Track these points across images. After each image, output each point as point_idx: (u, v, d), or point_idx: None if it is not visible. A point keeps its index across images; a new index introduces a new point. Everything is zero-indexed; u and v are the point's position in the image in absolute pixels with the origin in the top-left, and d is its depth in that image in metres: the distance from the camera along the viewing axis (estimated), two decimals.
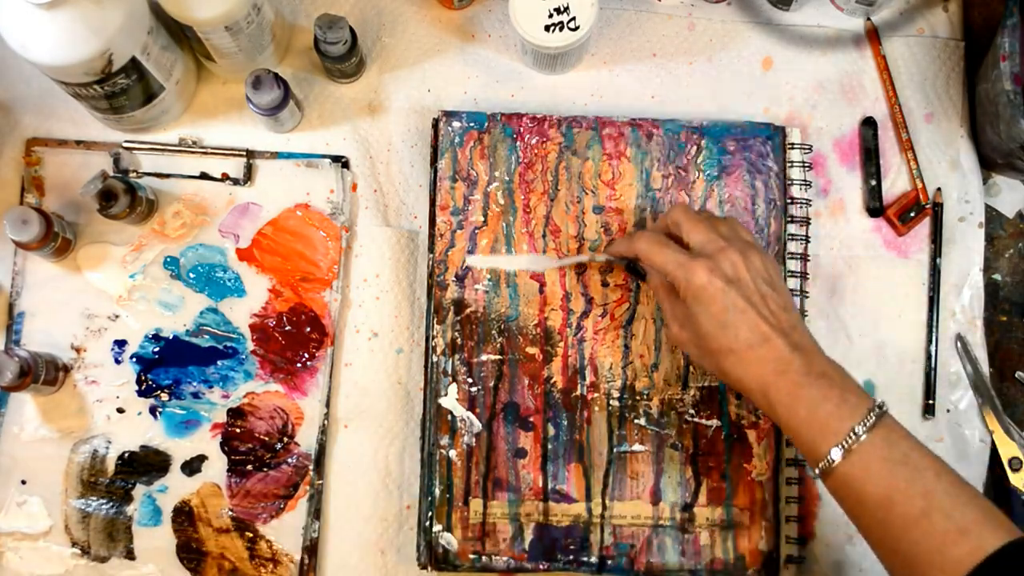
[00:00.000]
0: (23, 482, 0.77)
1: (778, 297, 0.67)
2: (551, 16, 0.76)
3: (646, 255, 0.70)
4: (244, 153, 0.81)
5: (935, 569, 0.57)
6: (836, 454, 0.61)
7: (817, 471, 0.63)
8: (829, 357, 0.66)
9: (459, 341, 0.77)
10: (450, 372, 0.77)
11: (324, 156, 0.81)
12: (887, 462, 0.60)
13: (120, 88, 0.73)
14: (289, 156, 0.82)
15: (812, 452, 0.63)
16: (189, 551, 0.77)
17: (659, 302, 0.72)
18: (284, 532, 0.77)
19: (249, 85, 0.75)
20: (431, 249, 0.78)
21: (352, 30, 0.77)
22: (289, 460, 0.78)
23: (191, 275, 0.80)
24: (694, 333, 0.68)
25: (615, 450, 0.76)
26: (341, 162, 0.81)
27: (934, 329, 0.80)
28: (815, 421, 0.62)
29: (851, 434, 0.61)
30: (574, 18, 0.76)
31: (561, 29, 0.76)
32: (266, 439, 0.78)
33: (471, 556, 0.75)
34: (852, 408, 0.62)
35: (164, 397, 0.79)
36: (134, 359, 0.79)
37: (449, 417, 0.77)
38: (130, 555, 0.77)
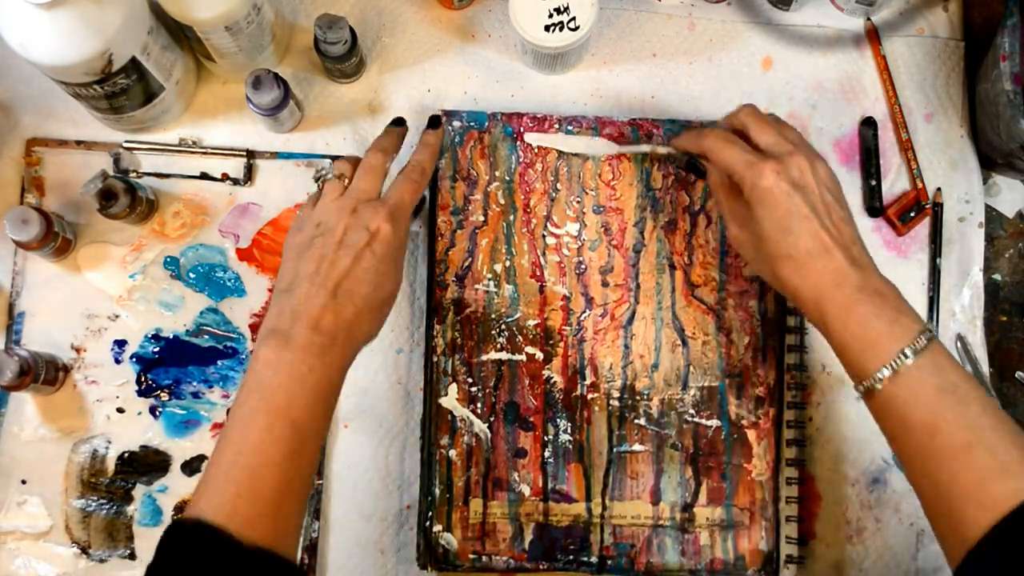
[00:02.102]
0: (23, 482, 0.77)
1: (840, 209, 0.66)
2: (551, 16, 0.76)
3: (714, 152, 0.69)
4: (244, 153, 0.81)
5: (972, 504, 0.56)
6: (884, 373, 0.60)
7: (861, 389, 0.62)
8: (885, 277, 0.65)
9: (459, 341, 0.77)
10: (450, 372, 0.77)
11: (324, 156, 0.81)
12: (935, 389, 0.59)
13: (120, 88, 0.73)
14: (289, 156, 0.82)
15: (859, 370, 0.62)
16: None
17: (718, 201, 0.71)
18: None
19: (249, 85, 0.75)
20: (431, 249, 0.78)
21: (352, 30, 0.77)
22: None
23: (191, 275, 0.80)
24: (754, 235, 0.67)
25: (615, 450, 0.77)
26: None
27: (934, 329, 0.80)
28: (866, 338, 0.61)
29: (900, 355, 0.60)
30: (574, 18, 0.76)
31: (561, 29, 0.76)
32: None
33: (471, 556, 0.76)
34: (904, 329, 0.61)
35: (164, 397, 0.79)
36: (134, 359, 0.79)
37: (449, 417, 0.77)
38: (131, 555, 0.77)
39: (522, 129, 0.79)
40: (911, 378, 0.60)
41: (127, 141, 0.81)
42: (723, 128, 0.71)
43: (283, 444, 0.60)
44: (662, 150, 0.77)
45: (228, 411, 0.64)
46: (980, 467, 0.57)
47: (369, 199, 0.68)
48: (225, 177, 0.81)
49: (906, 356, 0.60)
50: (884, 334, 0.61)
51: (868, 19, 0.84)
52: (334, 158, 0.81)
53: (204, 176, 0.81)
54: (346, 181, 0.70)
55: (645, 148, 0.77)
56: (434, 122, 0.77)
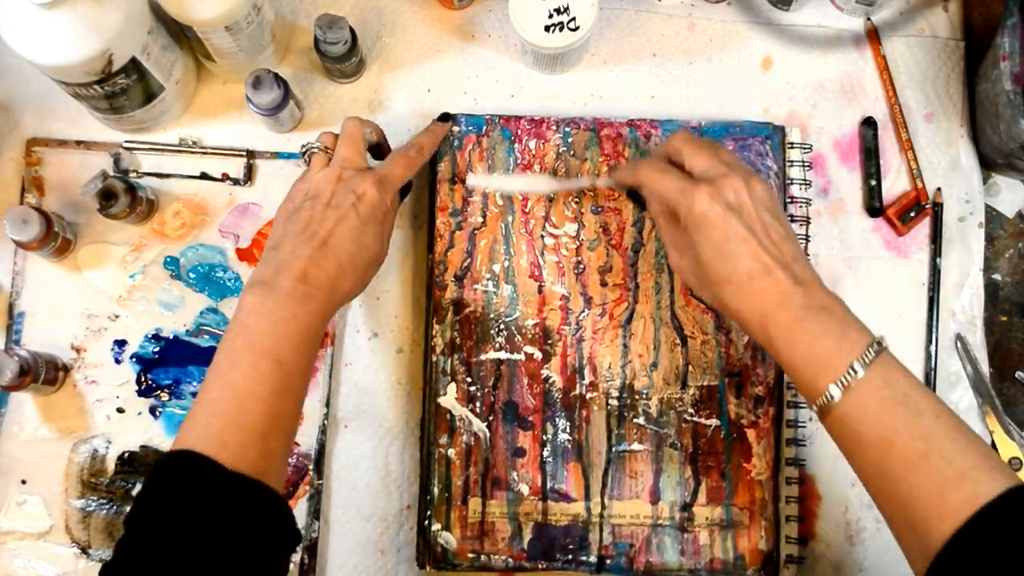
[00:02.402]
0: (23, 482, 0.78)
1: (780, 227, 0.65)
2: (551, 16, 0.76)
3: (648, 182, 0.68)
4: (244, 153, 0.82)
5: (933, 514, 0.56)
6: (834, 391, 0.59)
7: (815, 408, 0.61)
8: (830, 290, 0.64)
9: (458, 341, 0.77)
10: (449, 371, 0.77)
11: None
12: (886, 402, 0.59)
13: (120, 88, 0.73)
14: (289, 156, 0.82)
15: (810, 389, 0.61)
16: None
17: (659, 230, 0.71)
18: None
19: (249, 85, 0.75)
20: (430, 249, 0.79)
21: (352, 30, 0.77)
22: (289, 460, 0.78)
23: (191, 275, 0.81)
24: (694, 262, 0.66)
25: (614, 449, 0.77)
26: None
27: (934, 329, 0.80)
28: (814, 357, 0.61)
29: (850, 371, 0.59)
30: (574, 18, 0.76)
31: (561, 29, 0.76)
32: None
33: (470, 555, 0.76)
34: (852, 344, 0.60)
35: (164, 397, 0.79)
36: (134, 359, 0.80)
37: (448, 416, 0.77)
38: None
39: (520, 132, 0.79)
40: (862, 393, 0.59)
41: (127, 141, 0.81)
42: (657, 157, 0.71)
43: (269, 381, 0.61)
44: (601, 183, 0.77)
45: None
46: (937, 477, 0.56)
47: (354, 166, 0.70)
48: (225, 177, 0.81)
49: (855, 371, 0.59)
50: (832, 351, 0.60)
51: (868, 19, 0.84)
52: None
53: (204, 176, 0.82)
54: (330, 152, 0.72)
55: (585, 183, 0.78)
56: (444, 118, 0.79)
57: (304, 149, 0.74)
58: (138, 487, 0.78)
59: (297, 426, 0.65)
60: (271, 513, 0.60)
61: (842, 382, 0.59)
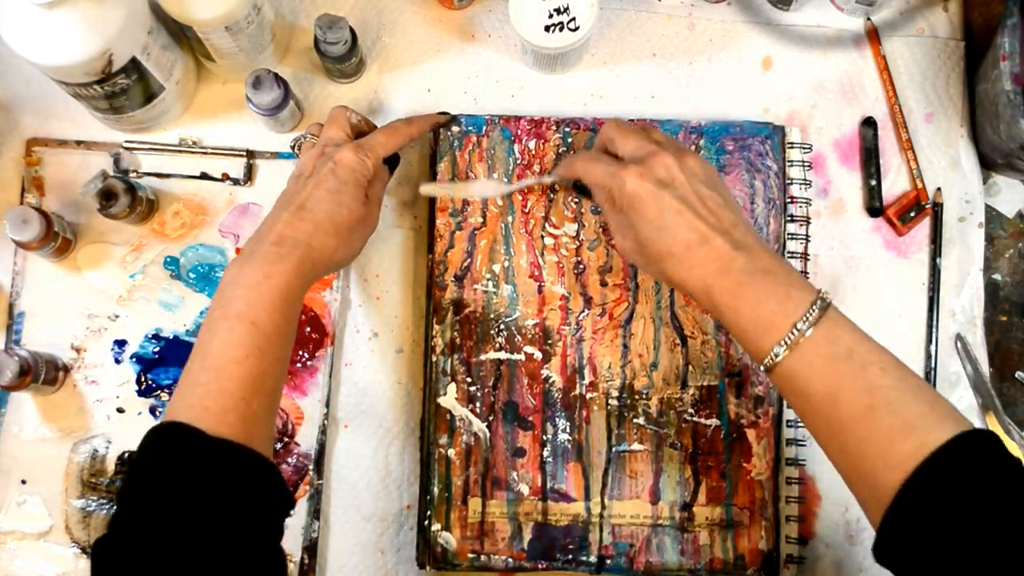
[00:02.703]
0: (23, 482, 0.78)
1: (716, 196, 0.66)
2: (551, 16, 0.76)
3: (582, 172, 0.70)
4: (244, 153, 0.82)
5: (882, 465, 0.56)
6: (779, 351, 0.60)
7: (762, 369, 0.62)
8: (774, 252, 0.65)
9: (458, 341, 0.78)
10: (449, 372, 0.77)
11: None
12: (830, 358, 0.59)
13: (120, 88, 0.73)
14: (289, 156, 0.82)
15: (757, 350, 0.62)
16: None
17: (604, 216, 0.71)
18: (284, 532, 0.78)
19: (249, 85, 0.75)
20: (430, 250, 0.79)
21: (352, 30, 0.77)
22: (289, 460, 0.78)
23: (191, 275, 0.81)
24: (635, 241, 0.66)
25: (614, 449, 0.77)
26: None
27: (934, 329, 0.81)
28: (759, 319, 0.61)
29: (794, 330, 0.60)
30: (574, 18, 0.76)
31: (561, 29, 0.76)
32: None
33: (470, 555, 0.76)
34: (796, 303, 0.61)
35: (164, 397, 0.79)
36: (134, 359, 0.80)
37: (448, 416, 0.77)
38: None
39: (519, 132, 0.79)
40: (807, 350, 0.60)
41: (127, 141, 0.82)
42: (593, 148, 0.73)
43: (245, 343, 0.61)
44: (547, 180, 0.77)
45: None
46: (884, 428, 0.57)
47: (336, 143, 0.71)
48: (225, 177, 0.82)
49: (799, 330, 0.60)
50: (777, 312, 0.61)
51: (868, 19, 0.84)
52: None
53: (204, 176, 0.82)
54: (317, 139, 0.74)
55: (531, 181, 0.78)
56: (442, 115, 0.80)
57: (294, 142, 0.75)
58: None
59: (281, 389, 0.65)
60: (257, 476, 0.60)
61: (786, 341, 0.60)
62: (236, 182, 0.82)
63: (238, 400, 0.60)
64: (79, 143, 0.81)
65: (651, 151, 0.66)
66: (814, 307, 0.60)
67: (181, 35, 0.77)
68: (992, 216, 0.83)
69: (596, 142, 0.73)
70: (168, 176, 0.82)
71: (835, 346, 0.59)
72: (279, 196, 0.70)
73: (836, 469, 0.61)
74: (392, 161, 0.76)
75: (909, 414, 0.57)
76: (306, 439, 0.79)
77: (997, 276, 0.83)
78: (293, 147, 0.75)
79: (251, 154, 0.82)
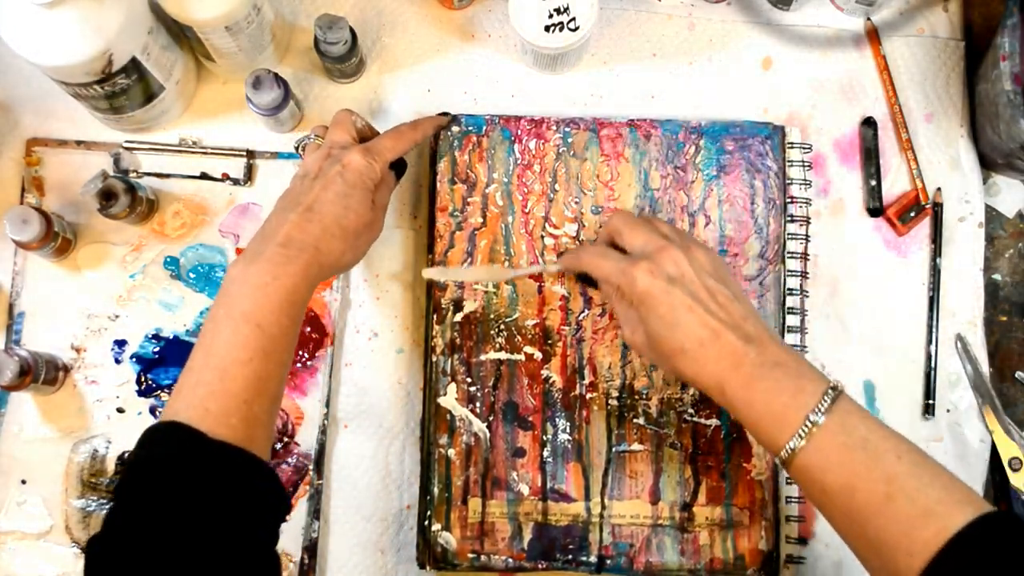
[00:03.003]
0: (23, 482, 0.78)
1: (725, 289, 0.66)
2: (551, 16, 0.76)
3: (590, 268, 0.71)
4: (244, 153, 0.82)
5: (902, 553, 0.57)
6: (794, 444, 0.61)
7: (778, 462, 0.62)
8: (784, 343, 0.65)
9: (458, 341, 0.78)
10: (449, 372, 0.78)
11: None
12: (845, 448, 0.60)
13: (120, 88, 0.73)
14: (289, 157, 0.82)
15: (772, 444, 0.62)
16: None
17: (613, 309, 0.73)
18: (284, 532, 0.77)
19: (249, 85, 0.75)
20: (430, 250, 0.79)
21: (352, 30, 0.77)
22: (289, 460, 0.79)
23: (191, 275, 0.81)
24: (646, 336, 0.67)
25: (614, 449, 0.77)
26: None
27: (934, 329, 0.81)
28: (772, 413, 0.62)
29: (807, 423, 0.60)
30: (574, 18, 0.76)
31: (561, 29, 0.76)
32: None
33: (470, 555, 0.76)
34: (808, 395, 0.61)
35: (164, 397, 0.79)
36: (134, 359, 0.80)
37: (448, 416, 0.77)
38: None
39: (519, 132, 0.80)
40: (821, 442, 0.60)
41: (127, 141, 0.82)
42: (600, 241, 0.73)
43: (250, 345, 0.61)
44: (553, 268, 0.77)
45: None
46: (903, 517, 0.57)
47: (342, 145, 0.71)
48: (225, 177, 0.82)
49: (812, 422, 0.60)
50: (790, 406, 0.61)
51: (868, 19, 0.84)
52: None
53: (204, 176, 0.82)
54: (322, 140, 0.73)
55: (537, 269, 0.78)
56: (443, 116, 0.80)
57: (298, 143, 0.75)
58: None
59: (282, 392, 0.65)
60: (256, 480, 0.60)
61: (800, 433, 0.60)
62: (236, 182, 0.82)
63: (240, 403, 0.60)
64: (79, 143, 0.82)
65: (660, 246, 0.67)
66: (826, 397, 0.61)
67: (181, 35, 0.77)
68: (992, 216, 0.83)
69: (602, 234, 0.74)
70: (168, 176, 0.82)
71: (849, 436, 0.60)
72: (282, 195, 0.70)
73: (855, 556, 0.61)
74: (399, 167, 0.76)
75: (927, 500, 0.57)
76: (306, 439, 0.79)
77: (997, 276, 0.83)
78: (297, 147, 0.75)
79: (251, 154, 0.82)
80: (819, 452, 0.60)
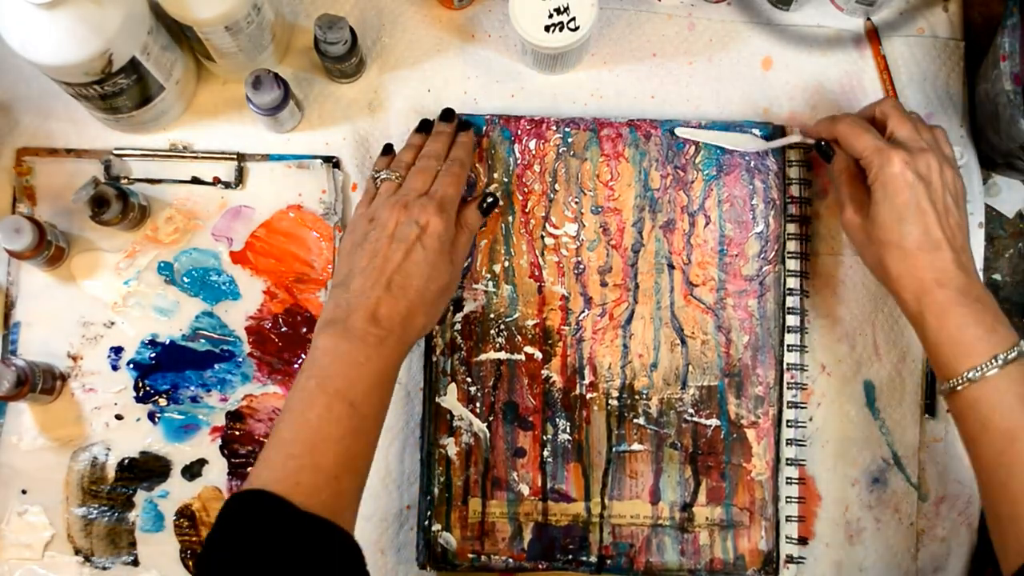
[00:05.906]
0: (24, 492, 0.79)
1: (959, 215, 0.69)
2: (551, 16, 0.77)
3: (846, 136, 0.73)
4: (235, 156, 0.82)
5: None
6: (972, 375, 0.64)
7: (946, 388, 0.65)
8: (987, 289, 0.69)
9: (458, 341, 0.79)
10: (449, 372, 0.79)
11: (315, 157, 0.82)
12: (1019, 398, 0.63)
13: (120, 88, 0.73)
14: (280, 158, 0.83)
15: (948, 369, 0.65)
16: (193, 556, 0.79)
17: (838, 186, 0.75)
18: None
19: (249, 85, 0.75)
20: None
21: (352, 30, 0.78)
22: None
23: (185, 279, 0.82)
24: (869, 219, 0.70)
25: (614, 450, 0.78)
26: (332, 162, 0.82)
27: None
28: (961, 340, 0.65)
29: (991, 360, 0.64)
30: (574, 18, 0.77)
31: (561, 29, 0.77)
32: (266, 441, 0.80)
33: (470, 555, 0.77)
34: (1000, 339, 0.65)
35: (162, 402, 0.80)
36: (131, 365, 0.81)
37: (448, 417, 0.78)
38: (134, 562, 0.79)
39: (520, 132, 0.81)
40: (997, 384, 0.63)
41: (117, 148, 0.82)
42: (860, 115, 0.75)
43: (343, 423, 0.63)
44: (795, 138, 0.79)
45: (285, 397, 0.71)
46: None
47: (419, 196, 0.72)
48: (216, 181, 0.82)
49: (997, 362, 0.64)
50: (981, 339, 0.65)
51: (868, 19, 0.85)
52: (326, 159, 0.82)
53: (195, 180, 0.82)
54: (401, 179, 0.74)
55: (795, 139, 0.80)
56: (447, 115, 0.80)
57: (375, 177, 0.76)
58: (139, 492, 0.79)
59: (369, 468, 0.67)
60: (343, 554, 0.61)
61: (982, 368, 0.64)
62: (227, 185, 0.82)
63: (331, 478, 0.62)
64: (69, 151, 0.82)
65: (921, 147, 0.70)
66: (1014, 348, 0.64)
67: (181, 35, 0.77)
68: (992, 216, 0.84)
69: (864, 111, 0.76)
70: (159, 181, 0.82)
71: None
72: (352, 244, 0.71)
73: (983, 504, 0.64)
74: (489, 205, 0.77)
75: None
76: None
77: (997, 276, 0.84)
78: (375, 179, 0.75)
79: (241, 157, 0.82)
80: (995, 392, 0.63)
